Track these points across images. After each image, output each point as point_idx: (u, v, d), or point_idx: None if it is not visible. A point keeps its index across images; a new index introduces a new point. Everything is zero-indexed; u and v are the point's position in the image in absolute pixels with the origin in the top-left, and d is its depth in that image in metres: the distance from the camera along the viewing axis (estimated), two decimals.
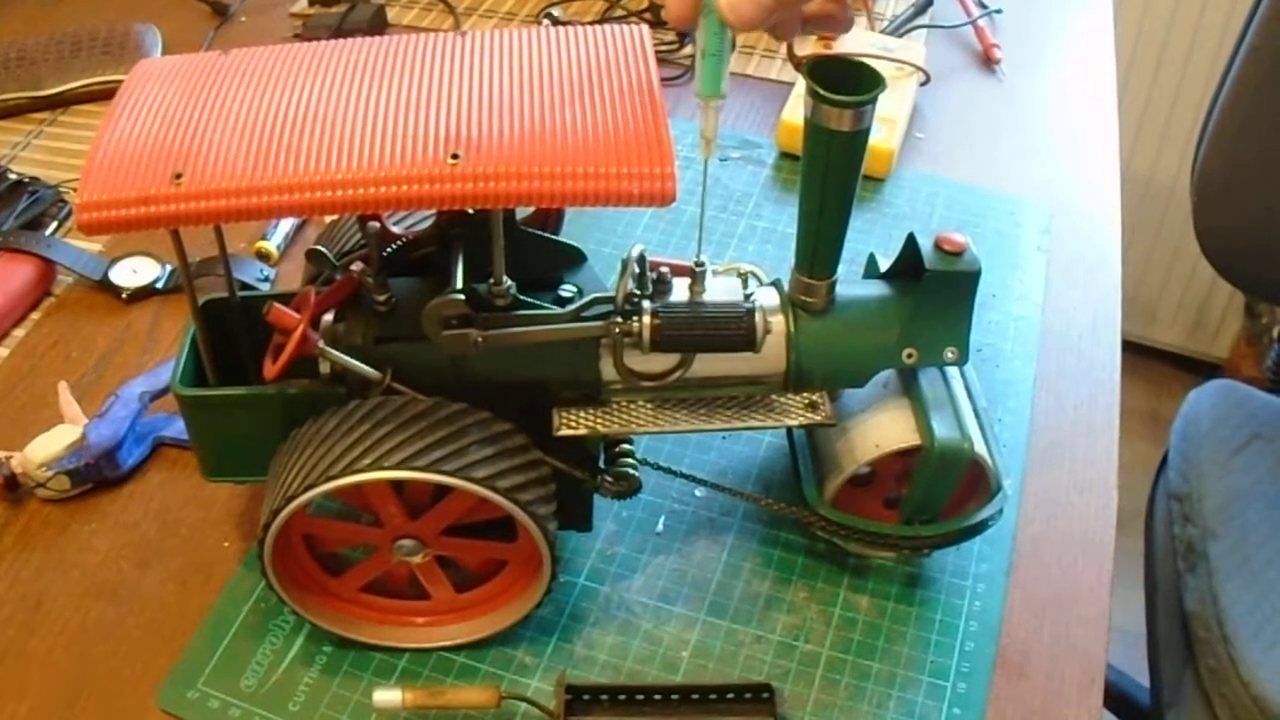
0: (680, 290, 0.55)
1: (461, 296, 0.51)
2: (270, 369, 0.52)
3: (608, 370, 0.55)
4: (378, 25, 1.01)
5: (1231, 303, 1.80)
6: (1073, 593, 0.61)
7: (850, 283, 0.57)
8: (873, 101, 0.50)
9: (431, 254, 0.57)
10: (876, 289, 0.58)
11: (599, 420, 0.55)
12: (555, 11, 1.04)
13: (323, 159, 0.46)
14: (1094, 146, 0.92)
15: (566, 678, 0.55)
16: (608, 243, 0.80)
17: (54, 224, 0.82)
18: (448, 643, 0.58)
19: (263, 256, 0.79)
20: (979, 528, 0.59)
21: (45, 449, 0.63)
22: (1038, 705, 0.56)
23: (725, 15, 0.46)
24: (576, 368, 0.55)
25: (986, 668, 0.58)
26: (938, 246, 0.55)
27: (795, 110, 0.88)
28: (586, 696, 0.55)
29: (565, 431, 0.55)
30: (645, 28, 0.53)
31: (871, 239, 0.81)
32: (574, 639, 0.59)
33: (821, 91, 0.49)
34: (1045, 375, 0.73)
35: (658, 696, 0.55)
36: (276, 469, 0.54)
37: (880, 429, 0.57)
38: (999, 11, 1.04)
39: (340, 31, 0.98)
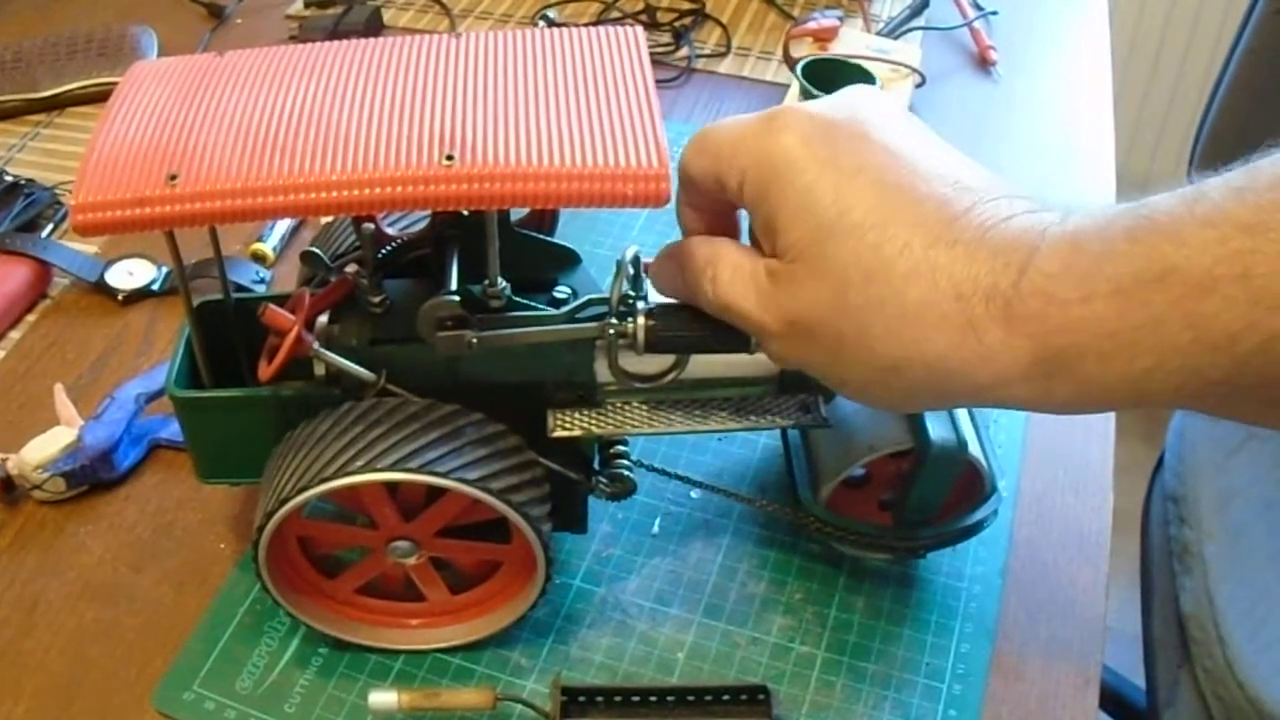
0: None
1: (456, 298, 0.51)
2: (265, 371, 0.52)
3: (602, 371, 0.55)
4: (373, 27, 1.01)
5: None
6: (1068, 594, 0.61)
7: None
8: None
9: (426, 256, 0.57)
10: None
11: (594, 422, 0.55)
12: (551, 13, 1.04)
13: (318, 160, 0.46)
14: (1090, 148, 0.92)
15: (562, 679, 0.55)
16: (603, 244, 0.80)
17: (50, 226, 0.82)
18: (443, 644, 0.58)
19: (258, 258, 0.79)
20: (974, 529, 0.59)
21: (41, 451, 0.63)
22: (1033, 706, 0.56)
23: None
24: (571, 369, 0.55)
25: (982, 669, 0.58)
26: None
27: None
28: (582, 698, 0.55)
29: (560, 433, 0.55)
30: (640, 29, 0.54)
31: None
32: (569, 640, 0.59)
33: (816, 94, 0.49)
34: None
35: (653, 698, 0.55)
36: (270, 471, 0.54)
37: (875, 431, 0.57)
38: (994, 13, 1.04)
39: (336, 33, 0.98)
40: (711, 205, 0.50)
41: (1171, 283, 0.39)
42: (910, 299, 0.43)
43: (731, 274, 0.48)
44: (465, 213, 0.54)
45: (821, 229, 0.44)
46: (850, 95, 0.49)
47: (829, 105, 0.47)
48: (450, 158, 0.46)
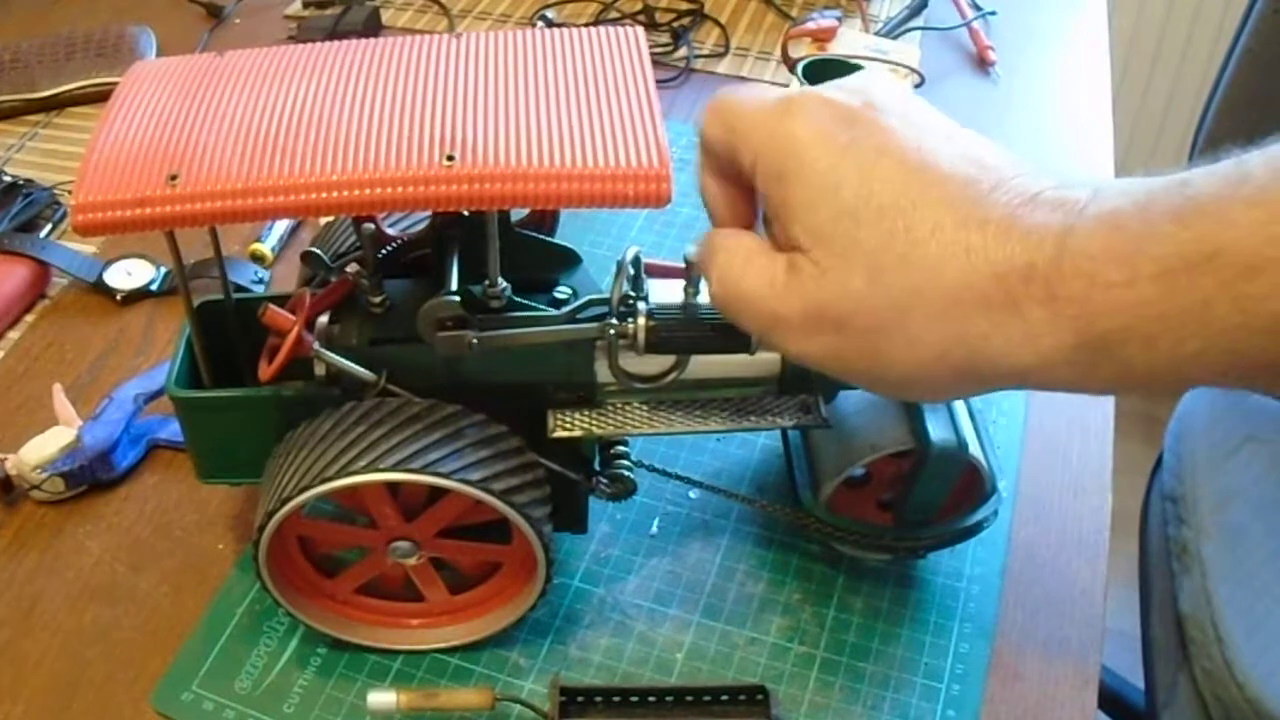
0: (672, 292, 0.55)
1: (456, 298, 0.51)
2: (265, 371, 0.52)
3: (602, 372, 0.55)
4: (372, 27, 1.01)
5: None
6: (1067, 594, 0.61)
7: None
8: None
9: (426, 256, 0.57)
10: None
11: (594, 422, 0.55)
12: (550, 14, 1.04)
13: (317, 160, 0.46)
14: (1089, 148, 0.92)
15: (561, 679, 0.55)
16: (603, 244, 0.80)
17: (49, 226, 0.82)
18: (442, 644, 0.58)
19: (257, 258, 0.79)
20: (974, 530, 0.59)
21: (40, 451, 0.63)
22: (1032, 707, 0.57)
23: None
24: (571, 369, 0.55)
25: (981, 669, 0.58)
26: None
27: None
28: (581, 698, 0.55)
29: (560, 433, 0.55)
30: (640, 29, 0.54)
31: None
32: (568, 641, 0.59)
33: None
34: None
35: (652, 698, 0.55)
36: (271, 471, 0.54)
37: (875, 431, 0.57)
38: (993, 13, 1.04)
39: (335, 34, 0.98)
40: (727, 171, 0.49)
41: (1220, 264, 0.38)
42: (948, 281, 0.41)
43: (745, 263, 0.46)
44: (465, 213, 0.54)
45: (845, 214, 0.43)
46: (862, 79, 0.48)
47: (843, 90, 0.46)
48: (450, 158, 0.46)
